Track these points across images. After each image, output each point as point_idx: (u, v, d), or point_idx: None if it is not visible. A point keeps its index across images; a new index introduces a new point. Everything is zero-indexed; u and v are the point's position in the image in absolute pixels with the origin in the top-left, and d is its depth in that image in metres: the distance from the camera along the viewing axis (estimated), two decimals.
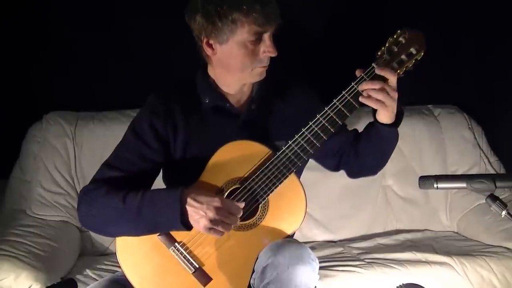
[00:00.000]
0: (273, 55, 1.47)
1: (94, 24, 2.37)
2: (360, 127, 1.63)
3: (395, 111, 1.46)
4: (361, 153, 1.59)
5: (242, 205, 1.41)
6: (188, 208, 1.37)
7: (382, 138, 1.54)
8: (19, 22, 2.33)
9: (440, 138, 2.49)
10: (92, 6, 2.35)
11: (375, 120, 1.50)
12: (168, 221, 1.38)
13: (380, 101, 1.41)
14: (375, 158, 1.61)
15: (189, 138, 1.53)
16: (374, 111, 1.49)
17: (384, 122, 1.49)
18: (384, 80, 1.41)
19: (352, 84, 1.43)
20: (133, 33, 2.39)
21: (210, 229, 1.37)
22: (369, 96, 1.41)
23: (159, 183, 1.60)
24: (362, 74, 1.42)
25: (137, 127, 1.53)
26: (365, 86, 1.41)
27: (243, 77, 1.52)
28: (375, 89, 1.40)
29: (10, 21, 2.33)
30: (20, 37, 2.35)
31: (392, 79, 1.41)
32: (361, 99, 1.42)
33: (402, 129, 2.41)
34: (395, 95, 1.42)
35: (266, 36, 1.45)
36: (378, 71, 1.41)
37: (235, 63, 1.47)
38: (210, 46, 1.48)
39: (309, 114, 1.46)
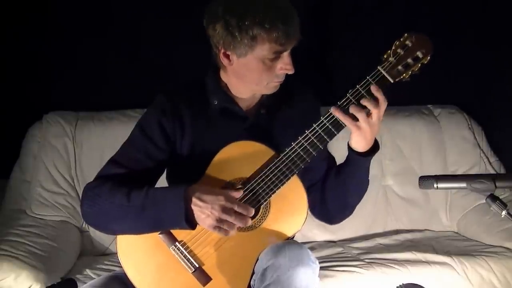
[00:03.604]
0: (291, 72, 1.45)
1: (94, 24, 2.37)
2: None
3: (369, 141, 1.42)
4: (326, 187, 1.55)
5: (240, 193, 1.40)
6: (193, 207, 1.36)
7: (349, 169, 1.49)
8: (19, 22, 2.33)
9: (440, 138, 2.49)
10: (92, 6, 2.35)
11: (348, 147, 1.47)
12: (172, 220, 1.38)
13: (356, 122, 1.38)
14: (336, 198, 1.55)
15: (195, 138, 1.53)
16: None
17: (355, 148, 1.45)
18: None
19: (357, 87, 1.41)
20: (133, 33, 2.39)
21: (215, 227, 1.36)
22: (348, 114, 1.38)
23: (162, 182, 1.60)
24: (368, 77, 1.41)
25: (145, 125, 1.53)
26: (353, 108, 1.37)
27: (257, 89, 1.51)
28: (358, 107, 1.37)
29: (10, 20, 2.33)
30: (20, 37, 2.35)
31: (379, 111, 1.37)
32: (333, 109, 1.39)
33: (402, 129, 2.46)
34: (375, 124, 1.38)
35: (286, 54, 1.43)
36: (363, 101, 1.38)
37: (251, 76, 1.46)
38: (227, 56, 1.46)
39: (312, 120, 1.44)
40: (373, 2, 2.54)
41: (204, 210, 1.35)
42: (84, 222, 2.19)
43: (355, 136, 1.42)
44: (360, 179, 1.53)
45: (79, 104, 2.38)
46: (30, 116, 2.32)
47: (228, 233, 1.37)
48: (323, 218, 1.64)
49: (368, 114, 1.38)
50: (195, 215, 1.37)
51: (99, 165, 1.53)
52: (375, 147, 1.47)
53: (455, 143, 2.50)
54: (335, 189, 1.54)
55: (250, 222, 1.39)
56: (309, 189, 1.58)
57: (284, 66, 1.44)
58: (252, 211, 1.39)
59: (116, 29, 2.38)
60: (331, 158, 1.62)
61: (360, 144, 1.44)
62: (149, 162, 1.50)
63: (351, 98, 1.41)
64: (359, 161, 1.47)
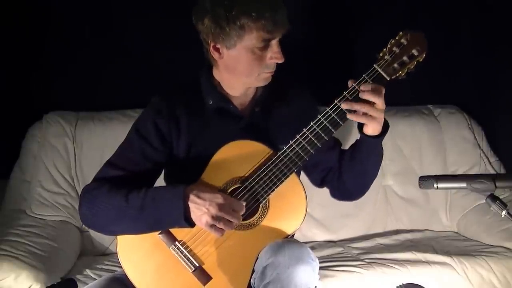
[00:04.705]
0: (280, 61, 1.46)
1: (94, 24, 2.37)
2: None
3: (382, 122, 1.45)
4: (343, 171, 1.57)
5: (243, 203, 1.41)
6: (190, 204, 1.37)
7: (364, 151, 1.51)
8: (19, 22, 2.33)
9: (440, 138, 2.49)
10: (92, 6, 2.35)
11: (360, 132, 1.49)
12: (171, 219, 1.39)
13: (366, 114, 1.40)
14: (355, 179, 1.58)
15: (192, 139, 1.53)
16: (360, 124, 1.48)
17: (370, 134, 1.47)
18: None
19: (353, 85, 1.42)
20: (133, 33, 2.39)
21: (211, 226, 1.37)
22: (355, 112, 1.40)
23: (161, 183, 1.60)
24: (364, 75, 1.42)
25: (141, 126, 1.53)
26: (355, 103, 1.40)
27: (249, 82, 1.52)
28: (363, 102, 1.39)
29: (10, 20, 2.32)
30: (20, 37, 2.35)
31: (381, 92, 1.40)
32: (348, 116, 1.41)
33: (402, 129, 2.46)
34: (383, 107, 1.41)
35: (274, 42, 1.44)
36: (361, 94, 1.40)
37: (242, 68, 1.47)
38: (217, 50, 1.47)
39: (310, 118, 1.45)
40: (373, 2, 2.55)
41: (201, 207, 1.36)
42: None
43: (371, 125, 1.43)
44: (376, 158, 1.55)
45: (79, 104, 2.38)
46: (30, 116, 2.32)
47: (223, 232, 1.38)
48: (345, 198, 1.66)
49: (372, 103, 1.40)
50: (192, 212, 1.37)
51: (99, 165, 1.53)
52: (385, 127, 1.48)
53: (455, 143, 2.50)
54: (353, 170, 1.56)
55: (241, 218, 1.40)
56: (325, 178, 1.62)
57: (274, 55, 1.45)
58: (244, 209, 1.40)
59: (116, 29, 2.38)
60: (339, 143, 1.64)
61: (376, 129, 1.45)
62: (146, 163, 1.50)
63: (347, 96, 1.42)
64: (372, 143, 1.49)
